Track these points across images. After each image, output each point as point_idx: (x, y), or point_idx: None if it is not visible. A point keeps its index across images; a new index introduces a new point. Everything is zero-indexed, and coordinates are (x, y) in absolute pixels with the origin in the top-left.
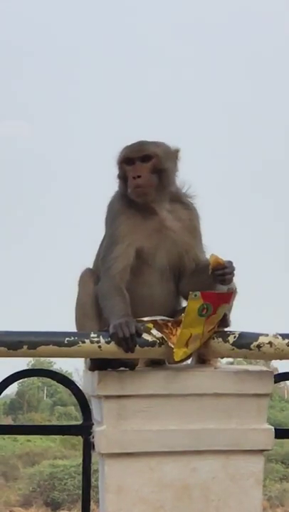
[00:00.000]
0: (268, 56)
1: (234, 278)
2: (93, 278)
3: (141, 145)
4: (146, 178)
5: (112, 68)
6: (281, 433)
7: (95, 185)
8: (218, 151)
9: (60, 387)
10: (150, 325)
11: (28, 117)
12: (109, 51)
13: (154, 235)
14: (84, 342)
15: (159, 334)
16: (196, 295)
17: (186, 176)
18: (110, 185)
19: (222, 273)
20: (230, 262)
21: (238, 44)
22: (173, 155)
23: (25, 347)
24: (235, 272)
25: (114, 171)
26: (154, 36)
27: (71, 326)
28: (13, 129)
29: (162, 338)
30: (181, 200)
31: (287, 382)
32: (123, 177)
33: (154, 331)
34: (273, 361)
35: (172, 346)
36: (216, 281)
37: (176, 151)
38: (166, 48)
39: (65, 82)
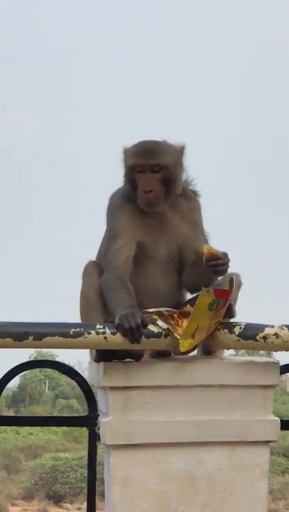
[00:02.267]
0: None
1: (242, 270)
2: (97, 270)
3: (152, 153)
4: (157, 191)
5: (112, 61)
6: (286, 424)
7: (97, 178)
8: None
9: (63, 380)
10: (155, 316)
11: (29, 111)
12: (110, 44)
13: (154, 228)
14: (90, 333)
15: (164, 325)
16: (208, 291)
17: (190, 169)
18: (112, 177)
19: (215, 264)
20: (224, 254)
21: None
22: (181, 158)
23: (30, 338)
24: (230, 264)
25: (119, 168)
26: (153, 26)
27: (76, 319)
28: (14, 122)
29: (168, 329)
30: (182, 192)
31: None
32: (131, 182)
33: (159, 322)
34: (275, 353)
35: (178, 337)
36: (210, 272)
37: (182, 150)
38: (165, 39)
39: (65, 77)
